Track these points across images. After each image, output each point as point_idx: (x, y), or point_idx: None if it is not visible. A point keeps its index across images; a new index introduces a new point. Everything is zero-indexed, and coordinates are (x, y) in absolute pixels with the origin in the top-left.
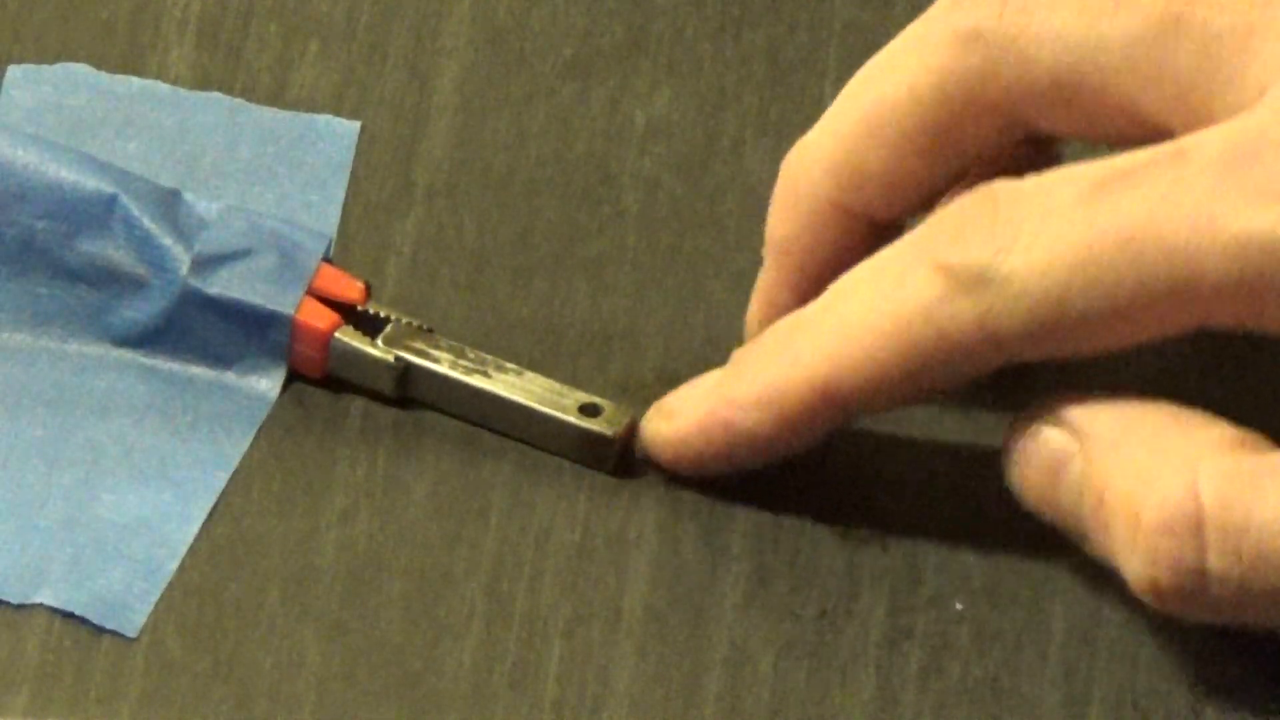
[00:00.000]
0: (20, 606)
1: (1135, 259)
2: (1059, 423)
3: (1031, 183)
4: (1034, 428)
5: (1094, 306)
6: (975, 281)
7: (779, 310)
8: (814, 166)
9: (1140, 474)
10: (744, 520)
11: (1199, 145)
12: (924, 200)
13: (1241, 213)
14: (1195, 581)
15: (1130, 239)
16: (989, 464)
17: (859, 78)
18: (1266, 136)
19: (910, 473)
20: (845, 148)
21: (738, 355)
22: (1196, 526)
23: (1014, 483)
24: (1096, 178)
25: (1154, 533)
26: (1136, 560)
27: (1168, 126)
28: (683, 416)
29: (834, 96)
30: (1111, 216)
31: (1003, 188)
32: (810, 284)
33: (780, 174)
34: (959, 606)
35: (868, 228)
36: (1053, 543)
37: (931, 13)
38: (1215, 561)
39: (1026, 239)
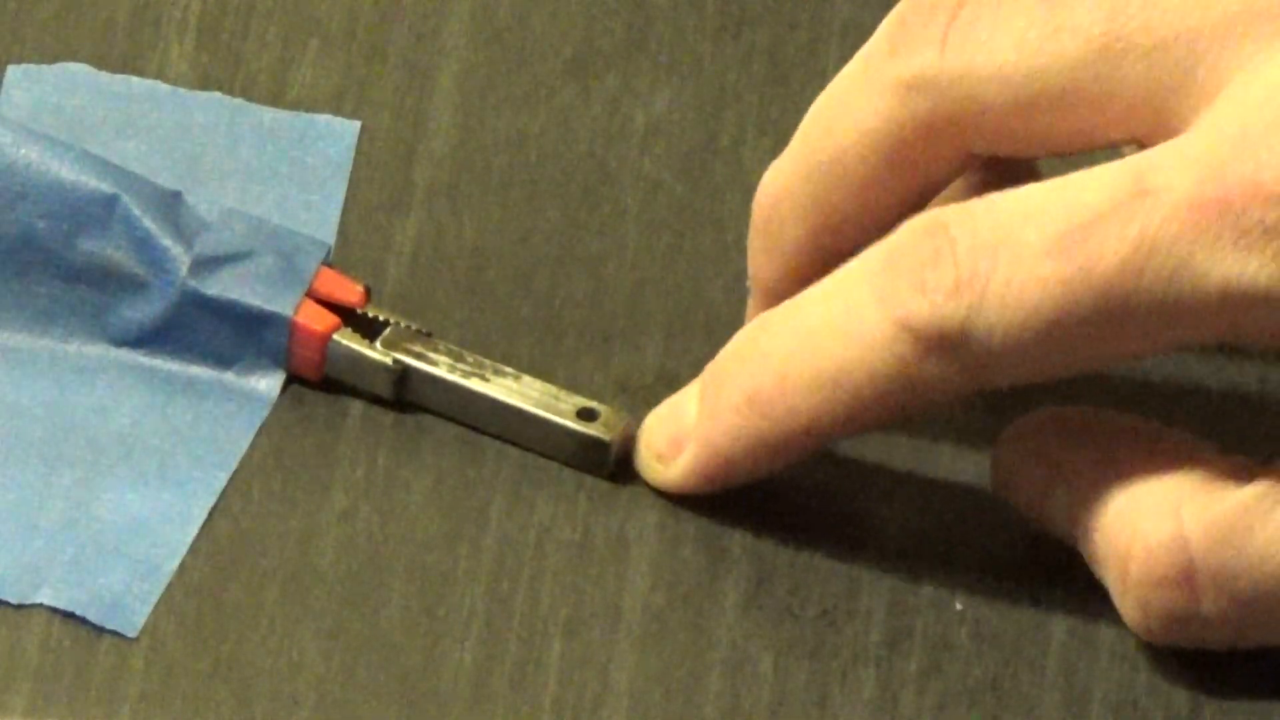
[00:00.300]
0: (20, 606)
1: (1115, 310)
2: (1040, 456)
3: (986, 221)
4: (1017, 457)
5: (1074, 354)
6: (949, 342)
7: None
8: (784, 209)
9: (1124, 520)
10: (744, 520)
11: (1166, 184)
12: (897, 224)
13: (1220, 261)
14: (1190, 624)
15: (1107, 293)
16: (989, 462)
17: (812, 120)
18: (1231, 169)
19: (910, 472)
20: (811, 191)
21: (711, 386)
22: (1187, 576)
23: (1002, 493)
24: (1062, 225)
25: (1144, 585)
26: (1129, 605)
27: (1126, 139)
28: (676, 466)
29: None
30: (1085, 271)
31: (955, 222)
32: None
33: (752, 215)
34: (959, 606)
35: (846, 257)
36: (1053, 543)
37: (871, 58)
38: (1209, 606)
39: (997, 291)
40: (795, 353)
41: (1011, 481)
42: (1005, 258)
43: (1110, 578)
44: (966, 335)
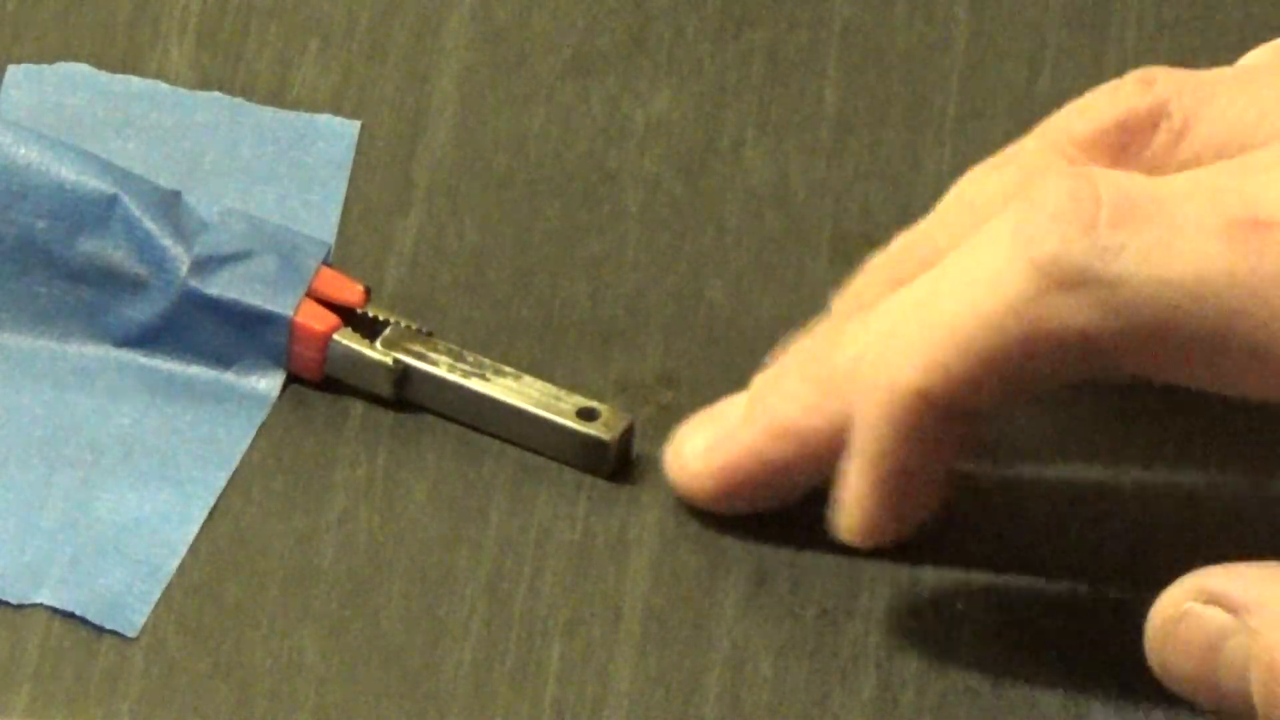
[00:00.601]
0: (20, 606)
1: (1265, 308)
2: (1214, 599)
3: (1142, 186)
4: (1185, 607)
5: (1204, 338)
6: (1076, 280)
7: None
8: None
9: None
10: (744, 520)
11: None
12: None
13: None
14: None
15: (1269, 291)
16: (989, 464)
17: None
18: None
19: None
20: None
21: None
22: None
23: (1160, 665)
24: (1235, 214)
25: None
26: None
27: None
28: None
29: (834, 96)
30: (1252, 261)
31: (1104, 181)
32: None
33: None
34: (959, 606)
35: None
36: (1053, 543)
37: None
38: None
39: (1141, 247)
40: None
41: (1174, 641)
42: (1164, 219)
43: None
44: (1098, 276)
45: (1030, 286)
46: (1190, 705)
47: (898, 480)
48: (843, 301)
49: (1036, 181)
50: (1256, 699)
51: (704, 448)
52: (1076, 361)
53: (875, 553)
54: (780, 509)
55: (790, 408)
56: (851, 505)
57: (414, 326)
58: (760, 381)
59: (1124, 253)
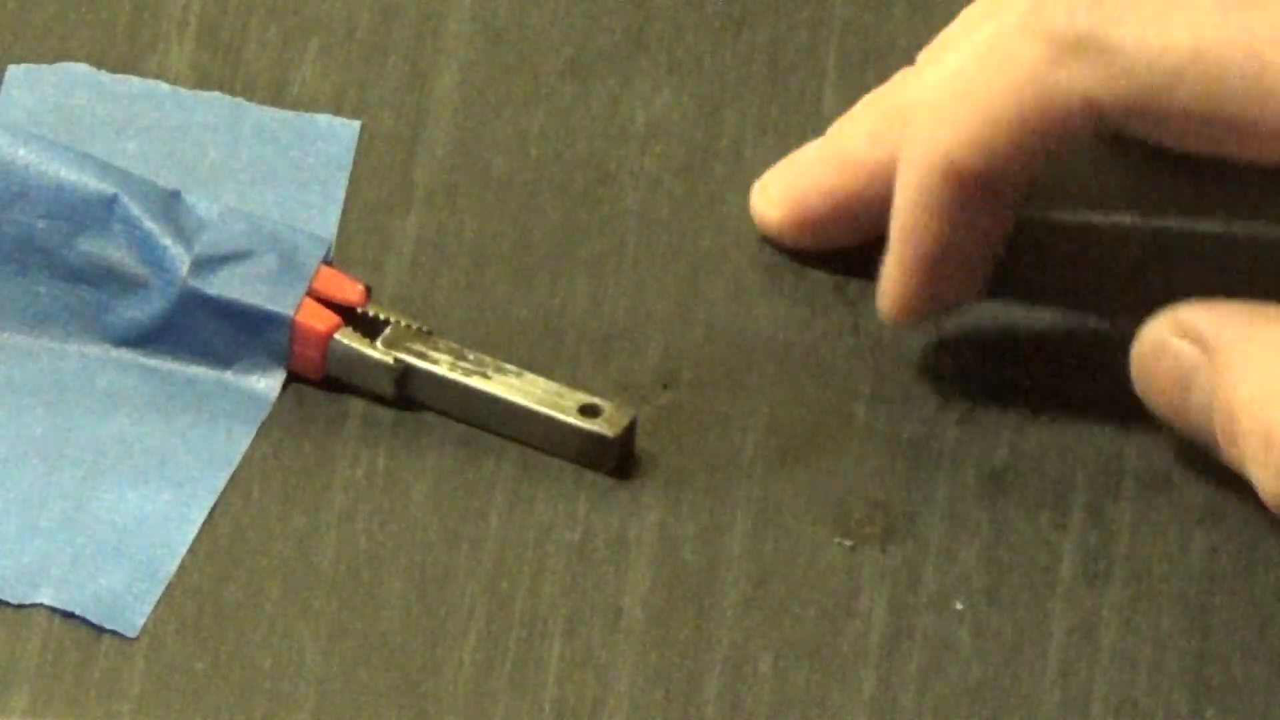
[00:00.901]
0: (20, 606)
1: (1258, 75)
2: (1186, 334)
3: None
4: (1161, 340)
5: (1201, 104)
6: (1081, 46)
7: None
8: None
9: (1272, 389)
10: (744, 520)
11: None
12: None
13: None
14: None
15: (1257, 55)
16: (989, 464)
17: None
18: None
19: (910, 472)
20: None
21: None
22: None
23: (1142, 394)
24: None
25: None
26: (1270, 477)
27: None
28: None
29: (834, 96)
30: (1246, 31)
31: None
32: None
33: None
34: (959, 606)
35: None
36: (1052, 544)
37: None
38: None
39: (1141, 17)
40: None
41: (1152, 372)
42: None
43: (1252, 451)
44: (1100, 42)
45: (1042, 56)
46: (1190, 705)
47: (932, 257)
48: (928, 50)
49: None
50: (1217, 435)
51: (782, 184)
52: (1085, 126)
53: (875, 553)
54: (858, 244)
55: (856, 142)
56: (888, 283)
57: (414, 326)
58: (835, 123)
59: (1125, 21)
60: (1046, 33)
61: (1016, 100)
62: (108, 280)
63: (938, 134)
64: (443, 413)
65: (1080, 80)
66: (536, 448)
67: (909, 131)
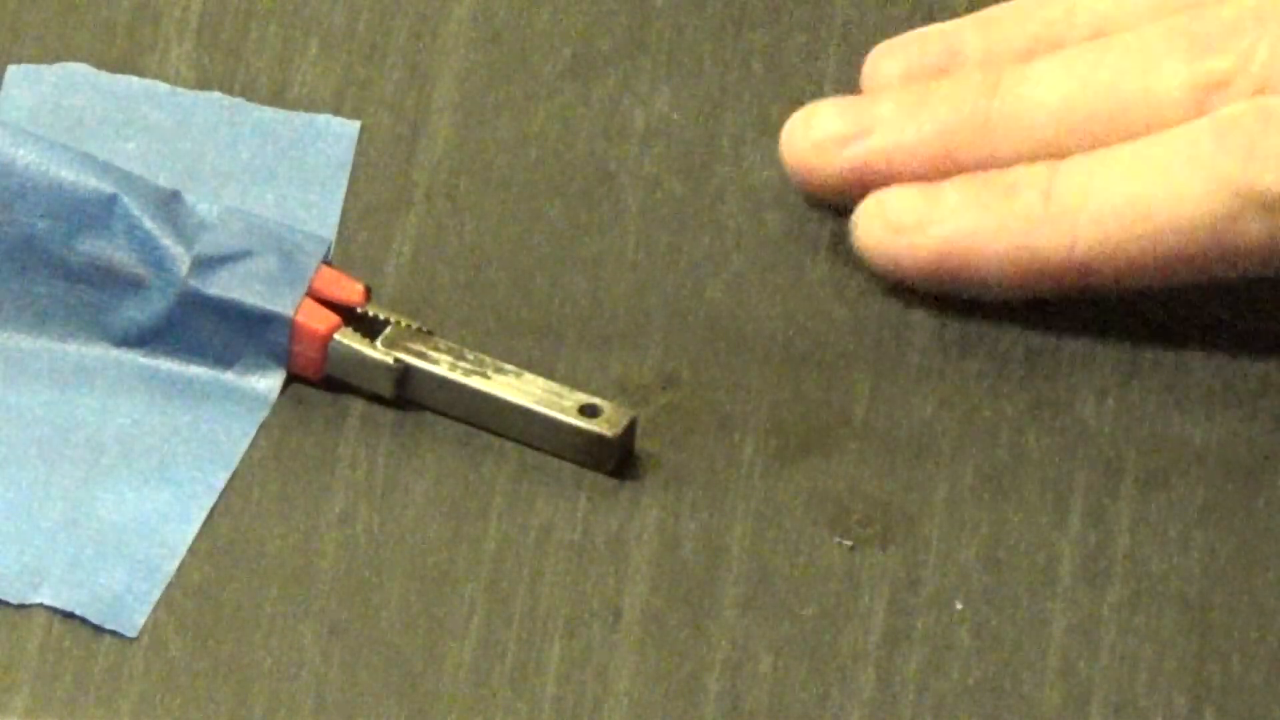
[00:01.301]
0: (20, 606)
1: None
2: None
3: None
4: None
5: None
6: (1271, 205)
7: None
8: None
9: None
10: (744, 520)
11: None
12: None
13: None
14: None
15: None
16: (988, 463)
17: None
18: None
19: (910, 472)
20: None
21: (998, 182)
22: None
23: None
24: None
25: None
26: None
27: None
28: (918, 241)
29: (834, 96)
30: None
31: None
32: None
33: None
34: (959, 606)
35: None
36: (1052, 544)
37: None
38: None
39: None
40: (1109, 176)
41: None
42: None
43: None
44: None
45: (1228, 209)
46: (1190, 705)
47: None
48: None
49: (1229, 110)
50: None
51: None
52: (1254, 267)
53: (875, 553)
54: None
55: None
56: None
57: (414, 326)
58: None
59: None
60: (1237, 189)
61: (1190, 240)
62: (108, 280)
63: (1103, 249)
64: (442, 413)
65: (1264, 231)
66: (536, 448)
67: (1052, 228)
